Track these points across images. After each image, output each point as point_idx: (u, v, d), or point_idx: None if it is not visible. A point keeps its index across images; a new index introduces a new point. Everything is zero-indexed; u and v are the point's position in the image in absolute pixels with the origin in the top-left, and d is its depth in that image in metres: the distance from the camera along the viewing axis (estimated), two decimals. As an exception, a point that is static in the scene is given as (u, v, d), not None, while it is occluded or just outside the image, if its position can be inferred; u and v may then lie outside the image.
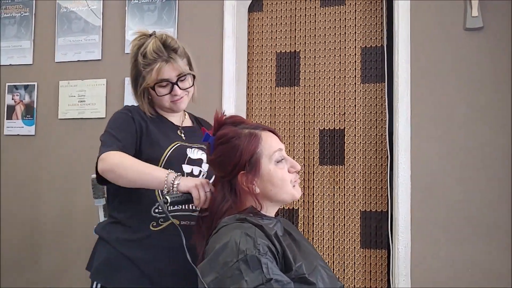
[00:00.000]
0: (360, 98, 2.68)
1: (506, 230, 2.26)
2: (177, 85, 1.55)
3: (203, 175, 1.58)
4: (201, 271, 1.13)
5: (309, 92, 2.77)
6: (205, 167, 1.58)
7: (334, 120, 2.71)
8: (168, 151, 1.52)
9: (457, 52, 2.38)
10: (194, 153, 1.58)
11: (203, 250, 1.25)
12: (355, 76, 2.70)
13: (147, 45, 1.53)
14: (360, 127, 2.66)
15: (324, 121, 2.73)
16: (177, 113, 1.63)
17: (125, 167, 1.39)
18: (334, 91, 2.72)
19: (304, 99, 2.77)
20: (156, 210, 1.50)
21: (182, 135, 1.61)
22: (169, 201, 1.28)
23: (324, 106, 2.73)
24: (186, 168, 1.54)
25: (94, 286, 1.52)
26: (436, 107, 2.39)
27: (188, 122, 1.69)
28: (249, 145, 1.24)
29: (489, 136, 2.32)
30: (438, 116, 2.38)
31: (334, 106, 2.72)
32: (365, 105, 2.67)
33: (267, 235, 1.15)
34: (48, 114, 2.95)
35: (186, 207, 1.52)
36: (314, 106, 2.75)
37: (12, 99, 3.00)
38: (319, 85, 2.75)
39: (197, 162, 1.57)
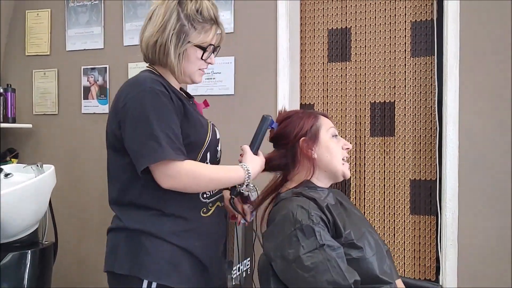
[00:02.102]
0: (410, 71, 2.77)
1: (554, 198, 2.34)
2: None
3: (220, 152, 1.62)
4: (264, 238, 1.36)
5: (360, 67, 2.89)
6: (219, 144, 1.61)
7: (385, 94, 2.83)
8: (210, 133, 1.51)
9: (507, 26, 2.41)
10: (217, 133, 1.60)
11: (267, 218, 1.48)
12: (405, 50, 2.79)
13: (199, 3, 1.45)
14: (410, 100, 2.77)
15: (375, 94, 2.86)
16: (192, 83, 1.56)
17: (202, 182, 1.38)
18: (385, 65, 2.83)
19: (356, 74, 2.90)
20: (205, 196, 1.48)
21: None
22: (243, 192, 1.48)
23: (375, 80, 2.85)
24: (218, 150, 1.58)
25: (145, 286, 1.37)
26: (485, 81, 2.45)
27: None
28: (309, 119, 1.50)
29: (538, 107, 2.37)
30: (486, 89, 2.45)
31: (385, 80, 2.83)
32: (415, 78, 2.76)
33: (319, 206, 1.35)
34: (120, 94, 3.24)
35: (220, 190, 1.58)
36: (365, 80, 2.87)
37: (88, 81, 3.32)
38: (370, 60, 2.86)
39: (219, 141, 1.61)
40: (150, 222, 1.39)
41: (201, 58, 1.48)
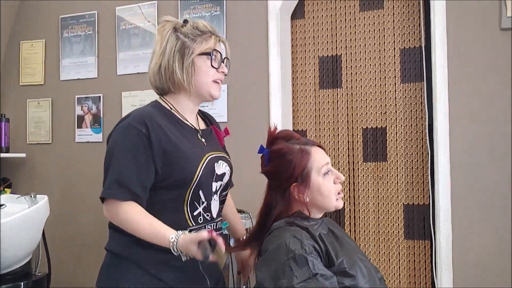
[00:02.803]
0: (400, 97, 2.82)
1: (546, 221, 2.36)
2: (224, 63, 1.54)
3: (220, 187, 1.56)
4: (257, 268, 1.36)
5: (352, 93, 2.93)
6: (225, 179, 1.58)
7: (376, 119, 2.87)
8: (200, 170, 1.44)
9: (493, 52, 2.47)
10: (220, 168, 1.54)
11: (259, 249, 1.48)
12: (395, 76, 2.83)
13: (195, 22, 1.52)
14: (401, 125, 2.81)
15: (366, 120, 2.89)
16: (211, 98, 1.55)
17: (130, 230, 1.37)
18: (375, 91, 2.87)
19: (347, 100, 2.94)
20: (188, 230, 1.41)
21: (203, 140, 1.55)
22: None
23: (366, 106, 2.89)
24: (213, 186, 1.52)
25: None
26: (473, 105, 2.50)
27: (202, 123, 1.65)
28: (301, 161, 1.45)
29: (527, 131, 2.41)
30: (476, 113, 2.49)
31: (376, 105, 2.87)
32: (405, 104, 2.81)
33: (312, 236, 1.36)
34: (114, 122, 3.22)
35: (213, 228, 1.53)
36: (357, 106, 2.91)
37: (81, 109, 3.35)
38: (361, 86, 2.91)
39: (221, 177, 1.55)
40: (130, 248, 1.43)
41: (211, 65, 1.49)
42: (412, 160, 2.78)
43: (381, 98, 2.86)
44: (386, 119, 2.85)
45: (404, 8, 2.82)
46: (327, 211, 1.53)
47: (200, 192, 1.46)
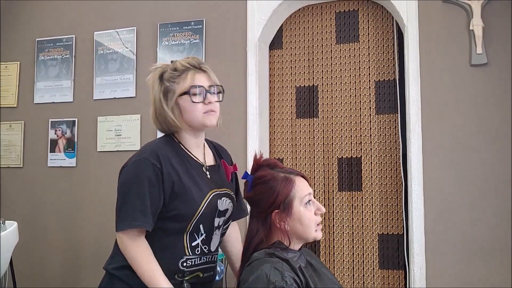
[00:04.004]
0: (375, 128, 2.88)
1: (515, 252, 2.42)
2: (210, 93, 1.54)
3: (223, 222, 1.60)
4: (237, 299, 1.34)
5: (328, 123, 2.98)
6: (228, 214, 1.61)
7: (352, 149, 2.91)
8: (203, 207, 1.51)
9: (464, 86, 2.56)
10: (223, 204, 1.58)
11: (237, 280, 1.46)
12: (370, 107, 2.90)
13: (174, 63, 1.55)
14: (376, 155, 2.86)
15: (342, 150, 2.94)
16: (207, 127, 1.58)
17: (139, 267, 1.44)
18: (351, 122, 2.93)
19: (323, 130, 2.98)
20: (185, 264, 1.50)
21: (207, 173, 1.59)
22: None
23: (342, 136, 2.94)
24: (216, 221, 1.57)
25: None
26: (446, 137, 2.57)
27: (210, 157, 1.66)
28: (285, 188, 1.45)
29: (496, 163, 2.48)
30: (448, 144, 2.56)
31: (351, 135, 2.92)
32: (380, 134, 2.87)
33: (293, 268, 1.36)
34: (88, 147, 3.22)
35: (209, 259, 1.58)
36: (333, 136, 2.95)
37: (55, 133, 3.29)
38: (337, 116, 2.96)
39: (223, 213, 1.59)
40: (124, 272, 1.49)
41: (193, 101, 1.51)
42: (387, 190, 2.83)
43: (356, 129, 2.91)
44: (361, 149, 2.90)
45: (379, 42, 2.91)
46: (306, 241, 1.53)
47: (201, 226, 1.51)
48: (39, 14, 3.44)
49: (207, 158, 1.64)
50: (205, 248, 1.54)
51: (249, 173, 1.53)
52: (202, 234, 1.52)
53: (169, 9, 3.13)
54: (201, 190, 1.52)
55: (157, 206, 1.46)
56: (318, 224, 1.49)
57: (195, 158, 1.57)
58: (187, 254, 1.50)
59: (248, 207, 1.55)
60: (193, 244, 1.51)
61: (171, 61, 1.59)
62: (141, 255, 1.44)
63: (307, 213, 1.46)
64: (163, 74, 1.55)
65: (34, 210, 3.28)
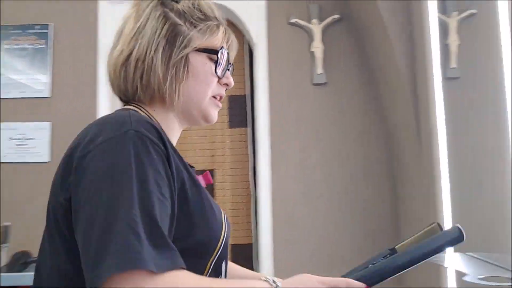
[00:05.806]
0: (228, 141, 2.95)
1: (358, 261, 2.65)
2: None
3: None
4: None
5: (181, 136, 2.97)
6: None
7: (204, 162, 2.95)
8: (224, 228, 0.87)
9: (307, 103, 2.77)
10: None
11: None
12: (223, 121, 2.97)
13: (199, 1, 0.91)
14: (228, 168, 2.93)
15: (196, 162, 2.95)
16: (202, 123, 0.96)
17: None
18: (205, 135, 2.97)
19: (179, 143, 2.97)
20: None
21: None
22: None
23: (196, 149, 2.96)
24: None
25: None
26: (292, 150, 2.74)
27: None
28: None
29: (335, 173, 2.71)
30: (294, 158, 2.73)
31: (205, 149, 2.96)
32: (232, 147, 2.95)
33: None
34: None
35: None
36: (187, 149, 2.96)
37: None
38: (191, 129, 2.98)
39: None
40: None
41: (215, 72, 0.90)
42: (237, 202, 2.90)
43: (209, 142, 2.96)
44: (214, 162, 2.95)
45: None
46: None
47: (223, 266, 0.88)
48: None
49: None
50: None
51: None
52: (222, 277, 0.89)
53: (15, 10, 2.89)
54: (214, 204, 0.89)
55: (171, 218, 0.74)
56: None
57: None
58: None
59: None
60: None
61: None
62: (196, 282, 0.72)
63: None
64: (166, 3, 0.89)
65: None
